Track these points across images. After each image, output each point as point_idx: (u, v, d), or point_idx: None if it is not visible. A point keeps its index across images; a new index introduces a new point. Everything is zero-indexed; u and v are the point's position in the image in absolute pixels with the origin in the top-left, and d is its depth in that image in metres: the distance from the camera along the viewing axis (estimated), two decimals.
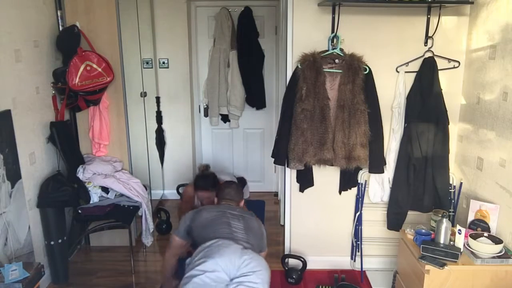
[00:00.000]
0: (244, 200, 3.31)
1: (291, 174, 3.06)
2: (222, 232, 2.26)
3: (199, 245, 2.23)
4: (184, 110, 4.45)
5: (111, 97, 3.40)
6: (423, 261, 2.22)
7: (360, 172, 2.99)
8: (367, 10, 2.81)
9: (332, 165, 2.83)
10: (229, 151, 4.78)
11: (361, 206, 3.06)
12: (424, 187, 2.83)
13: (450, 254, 2.21)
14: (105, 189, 3.25)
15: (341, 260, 3.23)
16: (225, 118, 4.56)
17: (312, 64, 2.68)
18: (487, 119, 2.54)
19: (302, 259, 3.08)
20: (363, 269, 3.13)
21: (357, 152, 2.73)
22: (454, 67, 2.83)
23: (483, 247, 2.20)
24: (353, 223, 3.14)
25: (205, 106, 4.56)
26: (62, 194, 2.93)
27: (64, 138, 3.11)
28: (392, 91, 2.88)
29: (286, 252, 3.24)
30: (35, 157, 2.91)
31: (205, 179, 3.11)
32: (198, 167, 3.14)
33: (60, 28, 3.19)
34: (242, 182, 3.96)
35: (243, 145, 4.76)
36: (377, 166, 2.83)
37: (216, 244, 2.14)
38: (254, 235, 2.36)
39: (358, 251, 3.13)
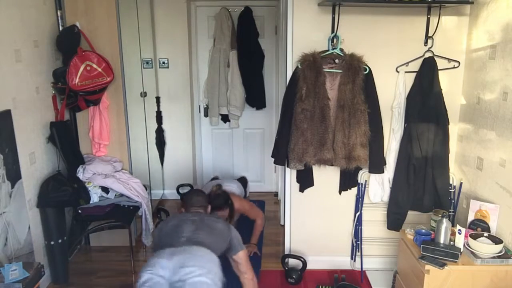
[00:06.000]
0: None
1: (291, 174, 3.06)
2: (176, 240, 2.23)
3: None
4: (184, 110, 4.45)
5: (111, 97, 3.40)
6: (423, 261, 2.22)
7: (360, 172, 2.99)
8: (367, 10, 2.81)
9: (332, 165, 2.83)
10: (229, 151, 4.78)
11: (361, 206, 3.06)
12: (424, 187, 2.83)
13: (450, 254, 2.21)
14: (105, 189, 3.25)
15: (341, 260, 3.23)
16: (225, 118, 4.56)
17: (312, 64, 2.68)
18: (487, 119, 2.54)
19: (302, 259, 3.08)
20: (363, 269, 3.13)
21: (357, 152, 2.73)
22: (454, 67, 2.83)
23: (483, 247, 2.20)
24: (353, 223, 3.13)
25: (205, 106, 4.57)
26: (62, 194, 2.93)
27: (64, 138, 3.11)
28: (392, 91, 2.88)
29: (286, 252, 3.24)
30: (35, 157, 2.91)
31: (218, 198, 3.13)
32: (211, 188, 3.18)
33: (60, 28, 3.19)
34: (243, 181, 3.97)
35: (243, 145, 4.76)
36: (377, 166, 2.83)
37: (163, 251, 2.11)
38: (212, 235, 2.29)
39: (358, 251, 3.13)
